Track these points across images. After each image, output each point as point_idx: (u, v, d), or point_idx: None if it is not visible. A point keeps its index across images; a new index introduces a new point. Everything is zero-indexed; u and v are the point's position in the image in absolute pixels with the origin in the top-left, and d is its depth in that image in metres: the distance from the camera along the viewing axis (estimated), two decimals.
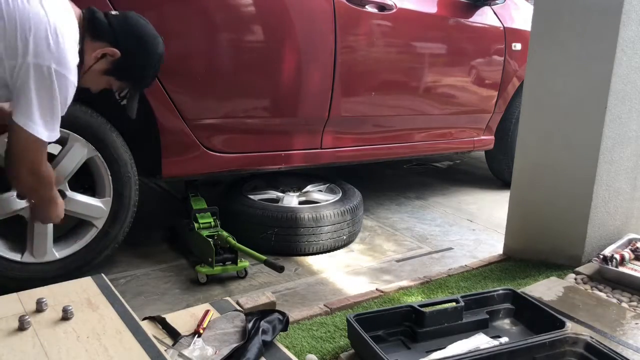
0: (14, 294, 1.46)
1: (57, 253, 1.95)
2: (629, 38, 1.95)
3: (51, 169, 1.61)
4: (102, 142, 1.97)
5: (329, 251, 2.45)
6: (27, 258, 1.90)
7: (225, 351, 1.36)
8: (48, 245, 1.92)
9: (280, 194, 2.63)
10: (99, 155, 1.97)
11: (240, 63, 2.23)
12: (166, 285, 2.09)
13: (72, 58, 1.46)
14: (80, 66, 1.52)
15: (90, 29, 1.57)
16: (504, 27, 3.07)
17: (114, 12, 1.66)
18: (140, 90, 1.77)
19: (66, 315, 1.35)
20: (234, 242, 2.10)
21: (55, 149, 1.90)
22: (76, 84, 1.48)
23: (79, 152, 1.93)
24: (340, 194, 2.64)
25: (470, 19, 2.93)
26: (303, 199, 2.61)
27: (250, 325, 1.44)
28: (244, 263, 2.14)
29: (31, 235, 1.89)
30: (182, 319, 1.52)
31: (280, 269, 1.98)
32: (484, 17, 3.00)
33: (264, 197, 2.60)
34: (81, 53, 1.53)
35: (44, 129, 1.44)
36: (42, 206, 1.66)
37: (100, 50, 1.58)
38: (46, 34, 1.39)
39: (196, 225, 2.22)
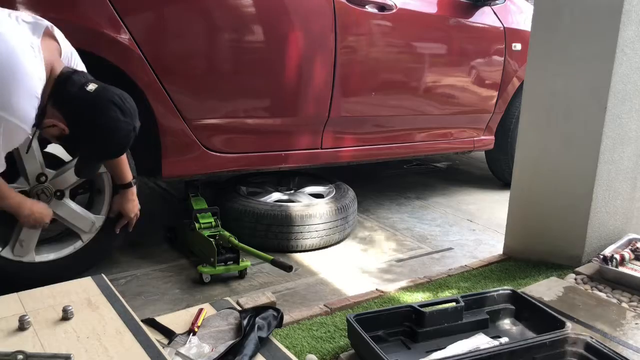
0: (14, 294, 1.46)
1: (36, 256, 1.89)
2: (629, 38, 1.95)
3: None
4: None
5: (318, 249, 2.46)
6: (6, 253, 1.84)
7: (222, 348, 1.36)
8: (31, 245, 1.87)
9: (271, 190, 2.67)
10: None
11: (240, 63, 2.23)
12: (166, 285, 2.09)
13: (24, 106, 1.40)
14: (41, 118, 1.48)
15: (55, 93, 1.50)
16: (504, 27, 3.07)
17: (91, 87, 1.52)
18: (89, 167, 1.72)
19: (66, 315, 1.35)
20: (236, 242, 2.10)
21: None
22: (29, 131, 1.45)
23: None
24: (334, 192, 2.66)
25: (471, 19, 2.93)
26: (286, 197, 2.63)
27: (245, 322, 1.44)
28: (245, 263, 2.14)
29: (17, 231, 1.84)
30: (181, 319, 1.52)
31: (289, 269, 1.96)
32: (484, 17, 3.00)
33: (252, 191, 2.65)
34: (43, 108, 1.48)
35: None
36: (12, 212, 1.70)
37: (51, 121, 1.51)
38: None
39: (197, 225, 2.22)
